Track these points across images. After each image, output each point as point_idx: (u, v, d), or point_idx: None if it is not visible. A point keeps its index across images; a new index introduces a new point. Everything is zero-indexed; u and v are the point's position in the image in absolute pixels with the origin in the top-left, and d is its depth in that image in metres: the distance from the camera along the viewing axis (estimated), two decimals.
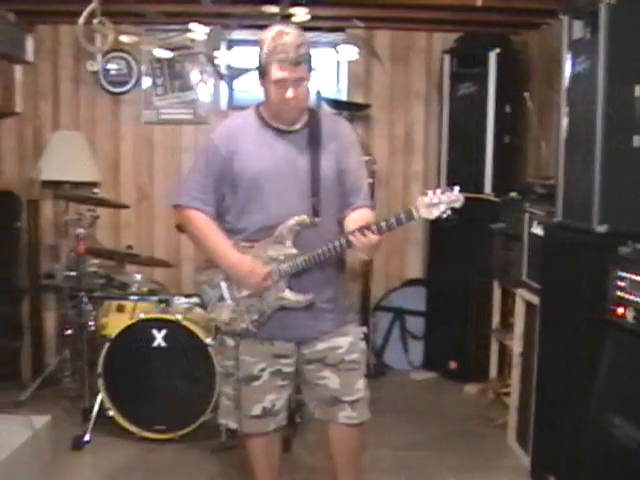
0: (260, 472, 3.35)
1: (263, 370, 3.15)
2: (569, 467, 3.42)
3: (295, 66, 2.91)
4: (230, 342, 3.17)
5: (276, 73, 2.92)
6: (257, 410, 3.17)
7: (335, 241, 2.96)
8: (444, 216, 2.90)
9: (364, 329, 3.35)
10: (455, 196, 2.88)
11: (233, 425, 3.27)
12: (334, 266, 3.19)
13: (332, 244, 2.96)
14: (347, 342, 3.17)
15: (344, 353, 3.15)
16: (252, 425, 3.21)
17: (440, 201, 2.87)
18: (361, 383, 3.20)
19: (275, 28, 2.98)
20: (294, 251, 3.02)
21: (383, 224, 2.90)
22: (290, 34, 2.94)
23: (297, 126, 3.11)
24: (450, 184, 2.92)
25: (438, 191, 2.89)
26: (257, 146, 3.07)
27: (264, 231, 3.06)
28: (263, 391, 3.17)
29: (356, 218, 3.07)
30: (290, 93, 2.94)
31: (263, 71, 2.97)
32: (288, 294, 3.06)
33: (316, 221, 3.04)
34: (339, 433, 3.24)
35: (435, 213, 2.88)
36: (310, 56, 3.01)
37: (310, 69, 3.02)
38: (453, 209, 2.89)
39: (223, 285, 3.14)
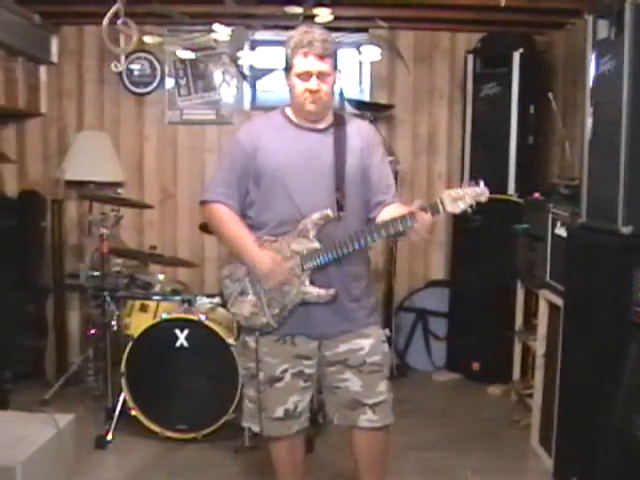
0: (284, 475, 3.34)
1: (285, 371, 3.15)
2: (592, 470, 3.39)
3: (320, 59, 2.94)
4: (252, 344, 3.17)
5: (300, 64, 2.96)
6: (280, 412, 3.17)
7: (360, 232, 2.97)
8: (469, 210, 2.87)
9: (386, 331, 3.33)
10: (481, 189, 2.85)
11: (256, 428, 3.26)
12: (360, 264, 3.20)
13: (357, 235, 2.97)
14: (369, 344, 3.15)
15: (366, 355, 3.14)
16: (275, 428, 3.20)
17: (465, 194, 2.85)
18: (383, 386, 3.18)
19: (303, 27, 3.04)
20: (317, 245, 3.02)
21: (408, 218, 2.90)
22: (317, 31, 2.99)
23: (322, 125, 3.12)
24: (474, 180, 2.90)
25: (463, 184, 2.89)
26: (281, 141, 3.09)
27: (287, 225, 3.06)
28: (286, 393, 3.17)
29: (391, 211, 3.08)
30: (313, 84, 2.95)
31: (289, 65, 3.00)
32: (310, 288, 3.05)
33: (341, 215, 3.04)
34: (361, 437, 3.22)
35: (461, 206, 2.85)
36: (336, 55, 3.04)
37: (335, 68, 3.04)
38: (478, 203, 2.87)
39: (245, 279, 3.15)
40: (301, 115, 3.09)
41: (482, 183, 2.86)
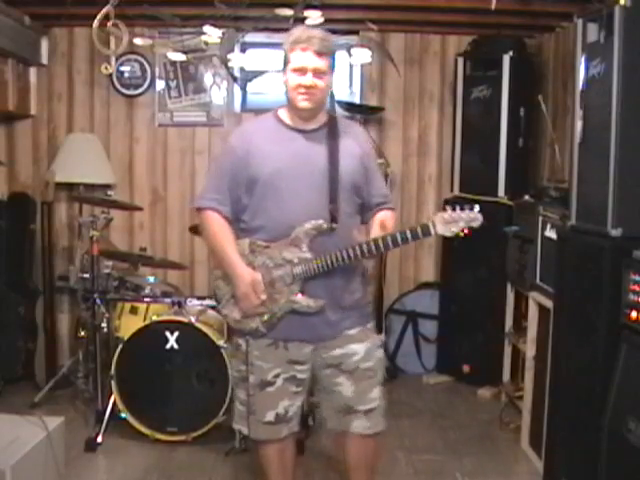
0: (273, 478, 3.33)
1: (277, 376, 3.13)
2: (583, 472, 3.40)
3: (317, 56, 2.95)
4: (244, 346, 3.15)
5: (297, 59, 2.96)
6: (270, 416, 3.15)
7: (350, 248, 2.96)
8: (461, 234, 2.88)
9: (382, 337, 3.32)
10: (474, 215, 2.85)
11: (245, 431, 3.24)
12: (354, 274, 3.18)
13: (347, 251, 2.96)
14: (363, 349, 3.14)
15: (359, 360, 3.13)
16: (264, 431, 3.19)
17: (459, 219, 2.85)
18: (376, 392, 3.17)
19: (303, 26, 3.10)
20: (309, 255, 3.00)
21: (398, 237, 2.91)
22: (316, 30, 3.02)
23: (314, 125, 3.11)
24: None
25: (457, 208, 2.87)
26: (273, 145, 3.07)
27: (279, 230, 3.04)
28: (277, 397, 3.15)
29: (380, 218, 3.11)
30: (308, 79, 2.95)
31: (285, 60, 3.01)
32: (299, 298, 3.04)
33: (334, 227, 3.03)
34: (353, 444, 3.22)
35: (453, 230, 2.86)
36: (334, 56, 3.05)
37: (332, 69, 3.04)
38: (471, 228, 2.87)
39: None
40: (294, 113, 3.08)
41: (477, 208, 2.86)
